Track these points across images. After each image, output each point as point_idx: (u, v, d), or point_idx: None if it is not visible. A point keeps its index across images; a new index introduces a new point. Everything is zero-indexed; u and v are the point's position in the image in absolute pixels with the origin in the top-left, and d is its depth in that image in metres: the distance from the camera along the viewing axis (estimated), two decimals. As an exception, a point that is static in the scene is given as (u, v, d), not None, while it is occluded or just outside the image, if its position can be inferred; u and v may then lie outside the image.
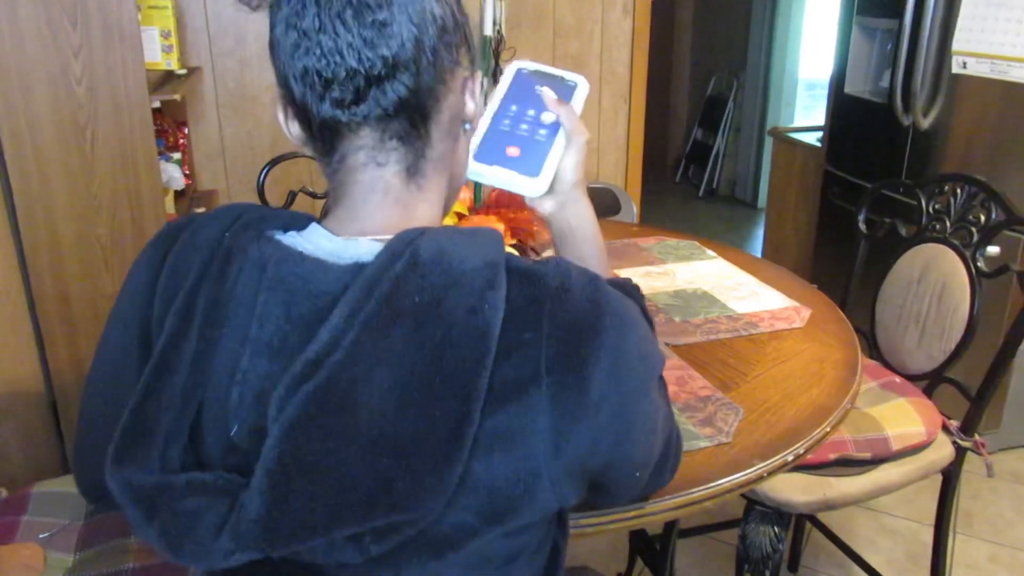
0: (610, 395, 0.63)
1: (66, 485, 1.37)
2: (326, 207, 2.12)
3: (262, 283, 0.63)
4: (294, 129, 0.69)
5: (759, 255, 2.94)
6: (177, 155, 2.31)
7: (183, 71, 2.25)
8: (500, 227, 1.37)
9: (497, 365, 0.59)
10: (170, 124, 2.33)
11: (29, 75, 1.71)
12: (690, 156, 5.84)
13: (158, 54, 2.18)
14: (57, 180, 1.79)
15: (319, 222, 0.69)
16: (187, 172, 2.40)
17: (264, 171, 1.90)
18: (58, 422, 2.00)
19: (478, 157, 0.86)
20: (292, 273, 0.63)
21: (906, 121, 2.44)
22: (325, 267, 0.63)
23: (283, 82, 0.66)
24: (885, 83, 2.54)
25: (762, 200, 4.98)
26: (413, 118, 0.67)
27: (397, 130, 0.66)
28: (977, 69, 2.22)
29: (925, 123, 2.41)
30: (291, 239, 0.66)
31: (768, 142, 4.64)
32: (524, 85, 0.92)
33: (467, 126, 0.75)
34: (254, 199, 1.96)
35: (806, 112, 5.09)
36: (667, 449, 0.75)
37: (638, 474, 0.71)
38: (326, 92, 0.64)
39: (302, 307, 0.62)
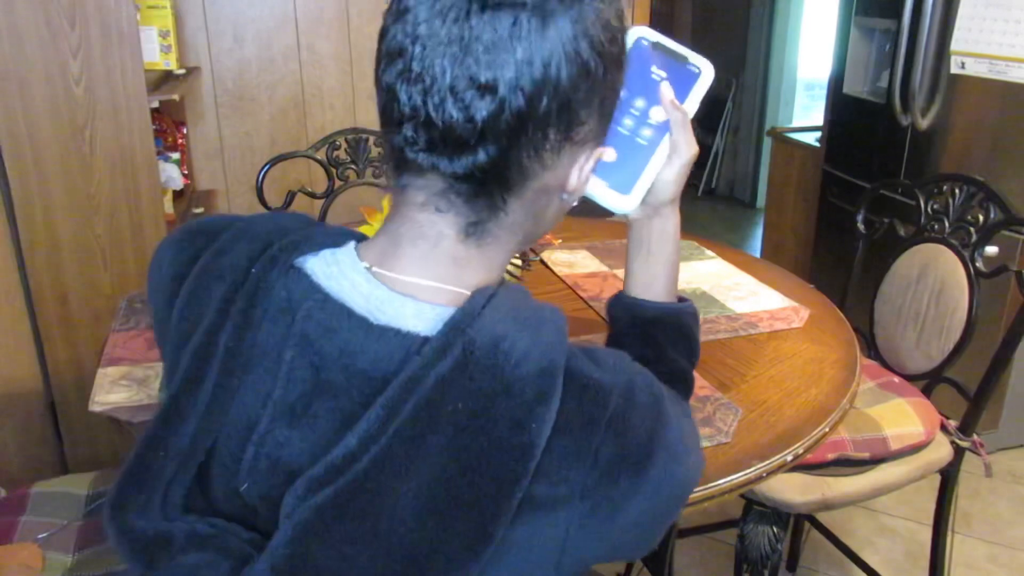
0: (641, 522, 0.61)
1: (65, 485, 1.36)
2: (326, 207, 2.10)
3: (290, 337, 0.58)
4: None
5: (758, 255, 2.94)
6: (176, 155, 2.31)
7: (182, 71, 2.25)
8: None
9: (534, 481, 0.54)
10: (169, 124, 2.33)
11: (27, 75, 1.71)
12: (689, 156, 5.83)
13: (156, 54, 2.18)
14: (55, 180, 1.79)
15: (358, 241, 0.63)
16: (186, 172, 2.40)
17: (263, 171, 1.89)
18: (57, 422, 2.00)
19: None
20: (325, 338, 0.57)
21: (905, 121, 2.45)
22: (362, 336, 0.57)
23: (375, 82, 0.59)
24: (884, 83, 2.54)
25: (761, 200, 4.98)
26: (488, 186, 0.58)
27: (465, 191, 0.58)
28: (975, 69, 2.22)
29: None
30: (323, 273, 0.60)
31: (767, 142, 4.65)
32: (641, 63, 0.77)
33: (564, 196, 0.64)
34: (253, 199, 1.96)
35: (805, 112, 5.09)
36: None
37: None
38: (401, 123, 0.56)
39: (332, 375, 0.57)
